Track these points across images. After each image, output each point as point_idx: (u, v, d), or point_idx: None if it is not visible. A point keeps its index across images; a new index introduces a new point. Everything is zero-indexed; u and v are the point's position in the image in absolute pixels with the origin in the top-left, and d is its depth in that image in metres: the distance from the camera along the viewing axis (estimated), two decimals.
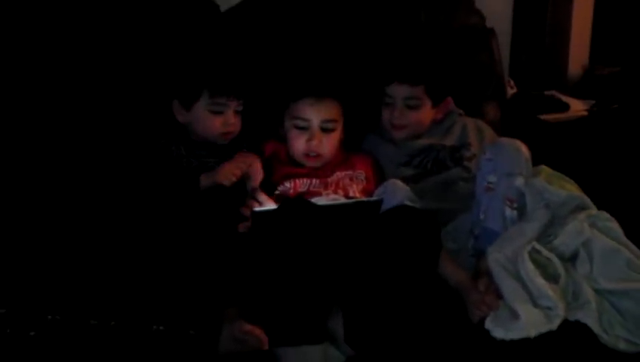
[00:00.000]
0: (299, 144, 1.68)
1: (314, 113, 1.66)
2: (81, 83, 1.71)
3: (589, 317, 1.36)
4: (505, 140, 1.59)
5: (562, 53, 2.57)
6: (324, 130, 1.67)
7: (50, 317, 1.26)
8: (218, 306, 1.36)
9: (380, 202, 1.42)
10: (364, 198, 1.61)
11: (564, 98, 2.39)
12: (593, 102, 2.36)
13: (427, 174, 1.74)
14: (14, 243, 1.47)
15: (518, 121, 2.08)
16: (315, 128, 1.67)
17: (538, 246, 1.42)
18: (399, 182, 1.56)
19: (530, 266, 1.38)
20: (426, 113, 1.77)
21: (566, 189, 1.54)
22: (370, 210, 1.42)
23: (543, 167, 1.61)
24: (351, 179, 1.70)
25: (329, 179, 1.68)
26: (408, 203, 1.49)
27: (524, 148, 1.55)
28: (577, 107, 2.34)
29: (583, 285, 1.39)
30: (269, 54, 1.84)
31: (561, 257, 1.44)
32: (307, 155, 1.68)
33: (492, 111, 1.99)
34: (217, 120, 1.63)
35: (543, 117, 2.22)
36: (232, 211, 1.51)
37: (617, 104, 2.31)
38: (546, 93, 2.44)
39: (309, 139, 1.66)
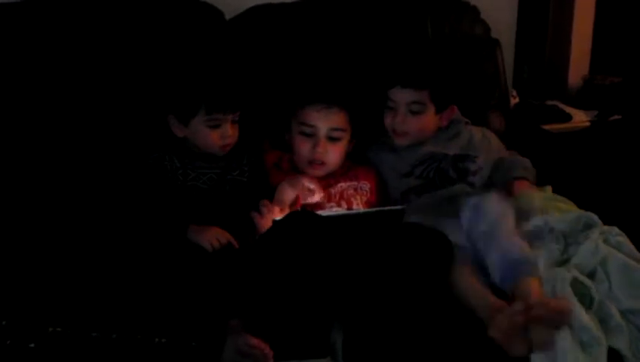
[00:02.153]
0: (304, 151, 1.66)
1: (321, 120, 1.64)
2: (77, 93, 1.70)
3: (621, 342, 1.32)
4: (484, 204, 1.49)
5: (562, 64, 2.57)
6: (331, 139, 1.66)
7: (50, 329, 1.24)
8: (221, 318, 1.34)
9: (402, 211, 1.41)
10: (386, 207, 1.58)
11: (567, 109, 2.39)
12: (595, 112, 2.36)
13: (430, 185, 1.72)
14: (16, 254, 1.45)
15: (522, 131, 2.07)
16: (321, 136, 1.65)
17: (581, 278, 1.38)
18: None
19: (575, 300, 1.33)
20: (429, 119, 1.72)
21: (563, 210, 1.52)
22: (391, 218, 1.40)
23: (533, 194, 1.60)
24: (355, 190, 1.68)
25: (332, 190, 1.67)
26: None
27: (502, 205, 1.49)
28: (580, 118, 2.34)
29: (612, 307, 1.35)
30: (274, 60, 1.83)
31: None
32: (311, 163, 1.66)
33: (496, 120, 1.98)
34: (215, 133, 1.62)
35: (546, 127, 2.21)
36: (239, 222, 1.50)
37: (619, 114, 2.31)
38: (549, 103, 2.44)
39: (314, 146, 1.64)
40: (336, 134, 1.66)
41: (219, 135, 1.62)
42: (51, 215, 1.59)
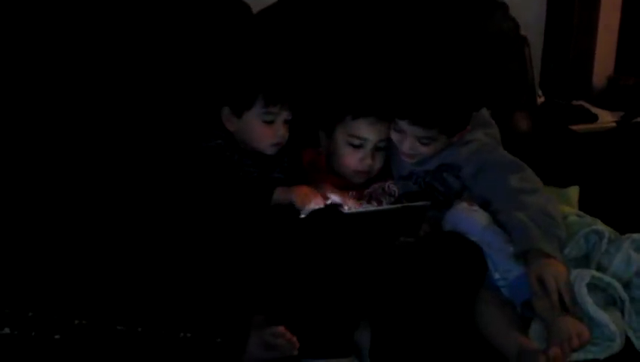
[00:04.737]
0: (351, 161, 1.64)
1: (374, 133, 1.62)
2: (131, 84, 1.68)
3: None
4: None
5: (587, 63, 2.55)
6: (378, 149, 1.64)
7: (76, 321, 1.24)
8: (246, 313, 1.33)
9: (426, 207, 1.39)
10: (410, 203, 1.56)
11: (592, 109, 2.37)
12: (621, 113, 2.34)
13: (422, 194, 1.65)
14: (44, 247, 1.45)
15: (549, 131, 2.05)
16: (370, 147, 1.63)
17: (598, 275, 1.37)
18: None
19: (589, 299, 1.33)
20: (439, 145, 1.62)
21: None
22: (416, 214, 1.38)
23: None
24: (384, 190, 1.66)
25: (365, 191, 1.65)
26: None
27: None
28: (606, 118, 2.32)
29: None
30: (304, 55, 1.80)
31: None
32: (358, 171, 1.65)
33: (523, 120, 1.96)
34: (268, 129, 1.59)
35: (572, 127, 2.19)
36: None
37: None
38: (574, 103, 2.42)
39: (364, 158, 1.63)
40: (382, 144, 1.64)
41: (272, 132, 1.60)
42: (84, 206, 1.58)
